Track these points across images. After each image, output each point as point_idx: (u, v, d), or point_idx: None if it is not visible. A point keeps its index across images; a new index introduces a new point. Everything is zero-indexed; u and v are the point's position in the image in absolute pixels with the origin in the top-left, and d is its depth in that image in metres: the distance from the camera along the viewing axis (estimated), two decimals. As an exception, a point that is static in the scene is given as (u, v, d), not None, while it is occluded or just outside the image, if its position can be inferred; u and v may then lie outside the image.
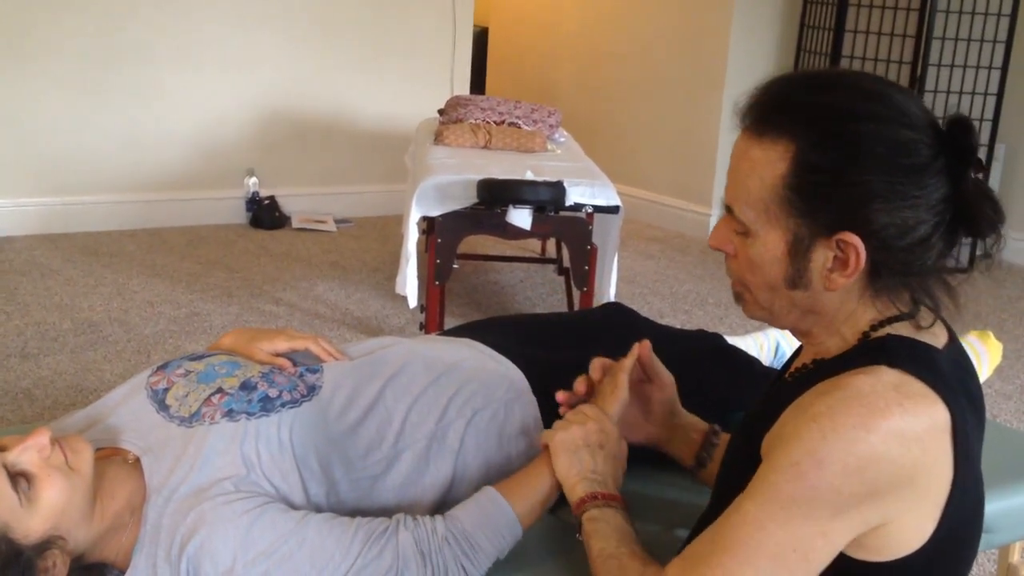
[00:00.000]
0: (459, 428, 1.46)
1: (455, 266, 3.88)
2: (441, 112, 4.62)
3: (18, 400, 3.10)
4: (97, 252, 4.78)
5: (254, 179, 5.44)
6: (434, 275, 3.71)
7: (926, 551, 1.09)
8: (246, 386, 1.39)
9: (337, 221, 5.54)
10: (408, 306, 3.73)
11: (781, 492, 1.05)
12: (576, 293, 3.80)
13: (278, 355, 1.48)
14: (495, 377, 1.54)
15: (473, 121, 4.36)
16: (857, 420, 1.02)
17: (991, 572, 2.65)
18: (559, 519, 1.50)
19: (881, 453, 1.02)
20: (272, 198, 5.45)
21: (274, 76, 5.48)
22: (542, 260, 4.62)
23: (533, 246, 5.01)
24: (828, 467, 1.02)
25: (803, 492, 1.03)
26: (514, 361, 1.58)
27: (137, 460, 1.34)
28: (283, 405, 1.37)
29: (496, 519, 1.32)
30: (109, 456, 1.35)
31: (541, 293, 4.50)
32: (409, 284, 3.70)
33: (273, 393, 1.38)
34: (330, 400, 1.41)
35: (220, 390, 1.38)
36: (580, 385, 1.44)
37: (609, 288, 3.86)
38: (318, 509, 1.33)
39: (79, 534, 1.24)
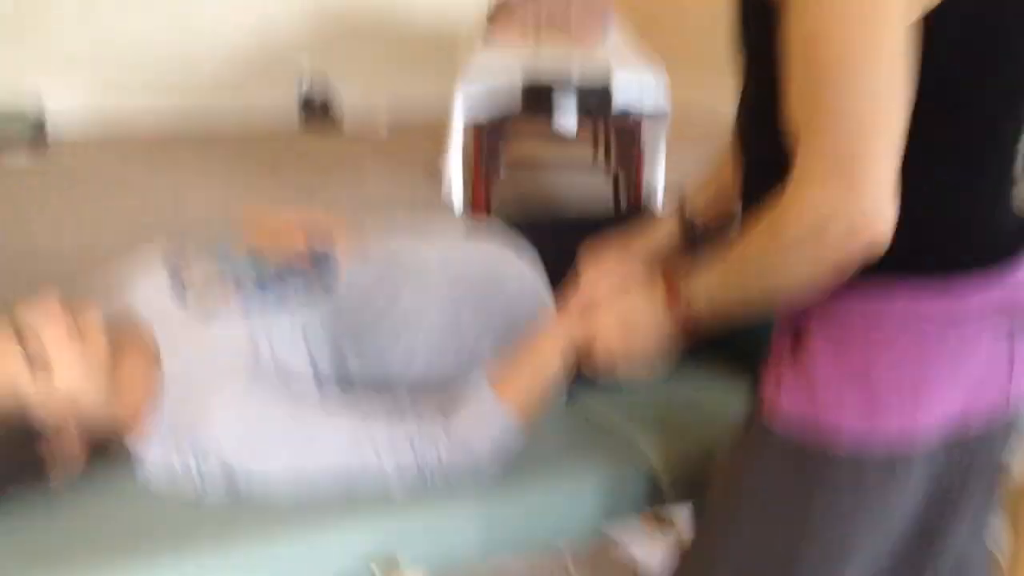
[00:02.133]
0: (474, 328, 1.48)
1: (502, 171, 3.87)
2: (491, 11, 4.56)
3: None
4: (151, 153, 4.85)
5: (306, 79, 5.44)
6: (479, 179, 3.71)
7: None
8: (262, 281, 1.41)
9: (390, 123, 5.53)
10: (454, 210, 3.74)
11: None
12: (624, 197, 3.78)
13: (297, 249, 1.50)
14: (513, 279, 1.54)
15: (523, 19, 4.30)
16: None
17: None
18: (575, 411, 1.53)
19: None
20: (326, 99, 5.46)
21: (327, -24, 5.45)
22: (590, 164, 4.58)
23: (586, 151, 4.96)
24: None
25: None
26: (532, 260, 1.58)
27: (154, 346, 1.37)
28: (297, 303, 1.39)
29: (498, 431, 1.33)
30: (127, 341, 1.38)
31: (589, 198, 4.47)
32: (454, 188, 3.71)
33: (288, 291, 1.41)
34: (345, 299, 1.43)
35: (237, 284, 1.41)
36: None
37: (657, 190, 3.82)
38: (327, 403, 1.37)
39: (95, 413, 1.29)
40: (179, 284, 1.44)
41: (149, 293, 1.45)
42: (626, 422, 1.49)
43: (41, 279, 3.29)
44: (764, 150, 1.02)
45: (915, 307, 1.00)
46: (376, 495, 1.30)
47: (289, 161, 4.86)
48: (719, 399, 1.55)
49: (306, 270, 1.45)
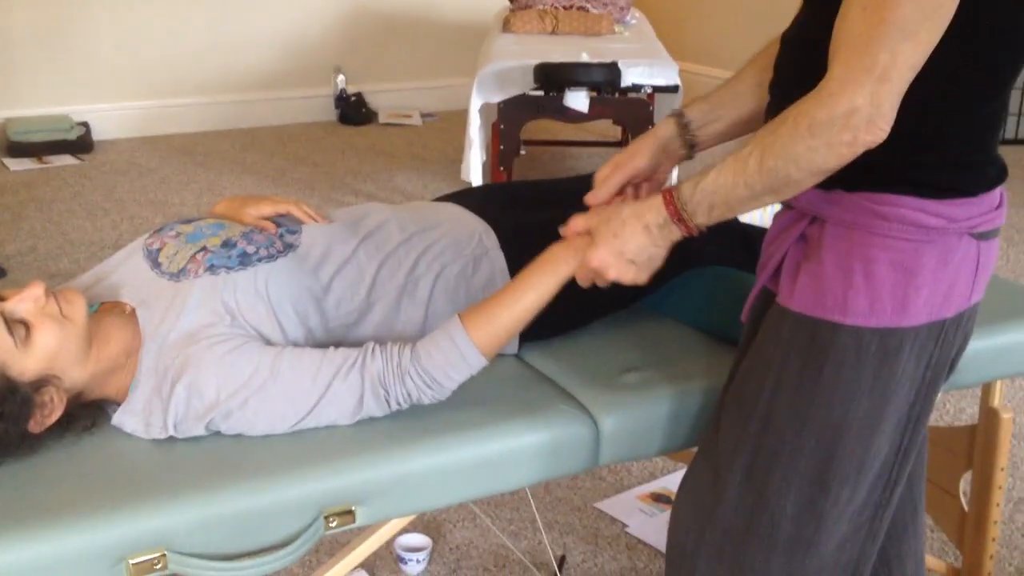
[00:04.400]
0: (428, 281, 1.57)
1: (521, 152, 3.96)
2: (511, 0, 4.65)
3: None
4: (192, 152, 5.02)
5: (341, 76, 5.59)
6: (498, 160, 3.81)
7: None
8: (227, 244, 1.52)
9: (423, 115, 5.65)
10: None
11: None
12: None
13: (264, 218, 1.61)
14: (465, 235, 1.63)
15: (541, 7, 4.38)
16: None
17: (969, 414, 2.66)
18: (523, 362, 1.61)
19: None
20: (359, 94, 5.60)
21: (357, -27, 5.58)
22: (607, 144, 4.65)
23: (610, 131, 5.02)
24: None
25: None
26: (487, 221, 1.66)
27: (133, 311, 1.49)
28: (259, 260, 1.50)
29: (458, 359, 1.41)
30: (110, 309, 1.50)
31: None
32: (473, 170, 3.81)
33: (251, 249, 1.51)
34: (305, 256, 1.53)
35: (204, 248, 1.51)
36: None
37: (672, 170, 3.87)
38: (296, 346, 1.47)
39: (74, 374, 1.40)
40: (153, 255, 1.55)
41: (127, 266, 1.57)
42: (570, 376, 1.56)
43: (78, 269, 3.47)
44: (812, 82, 1.15)
45: (917, 217, 1.18)
46: (336, 438, 1.39)
47: (323, 153, 5.00)
48: (665, 355, 1.62)
49: (269, 232, 1.56)
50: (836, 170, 1.15)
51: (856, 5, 1.08)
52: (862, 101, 1.08)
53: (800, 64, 1.23)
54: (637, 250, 1.31)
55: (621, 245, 1.31)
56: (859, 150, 1.11)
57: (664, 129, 1.50)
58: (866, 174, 1.17)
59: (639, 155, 1.49)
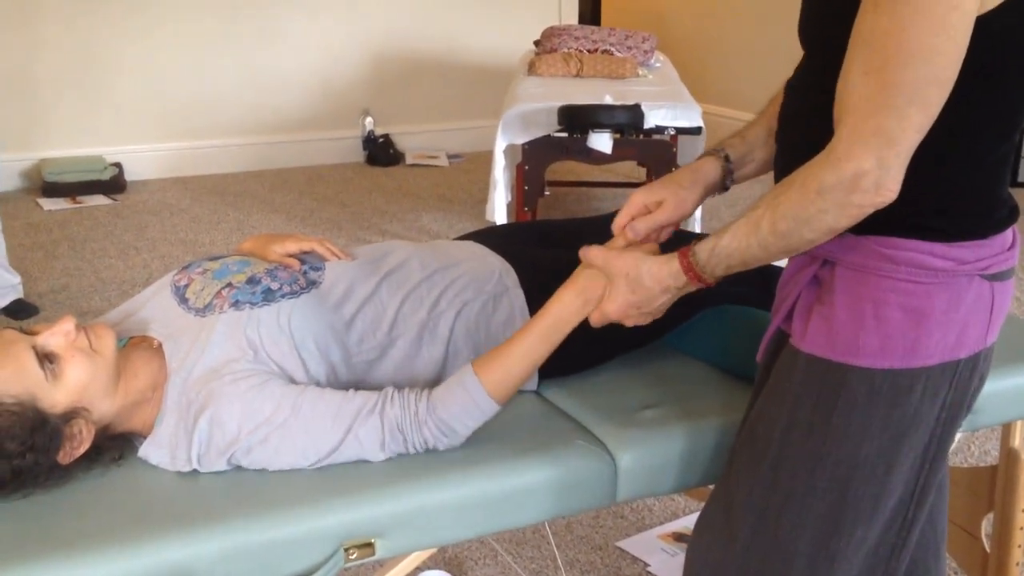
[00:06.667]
0: (449, 318, 1.60)
1: (546, 192, 4.00)
2: (537, 43, 4.71)
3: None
4: (223, 192, 5.10)
5: (370, 119, 5.67)
6: (523, 201, 3.84)
7: None
8: (252, 280, 1.55)
9: (449, 156, 5.71)
10: (497, 231, 3.87)
11: None
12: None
13: (288, 256, 1.64)
14: (486, 273, 1.66)
15: (566, 50, 4.44)
16: None
17: (994, 456, 2.64)
18: (542, 398, 1.63)
19: None
20: (387, 136, 5.67)
21: (387, 17, 5.67)
22: (630, 184, 4.67)
23: (634, 172, 5.05)
24: None
25: None
26: (507, 259, 1.69)
27: (161, 346, 1.52)
28: (283, 296, 1.53)
29: (472, 408, 1.44)
30: (138, 343, 1.54)
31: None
32: (498, 210, 3.84)
33: (275, 286, 1.55)
34: (328, 293, 1.57)
35: (229, 284, 1.55)
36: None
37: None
38: (318, 385, 1.49)
39: (103, 406, 1.43)
40: (181, 291, 1.59)
41: (155, 302, 1.61)
42: (588, 412, 1.58)
43: (109, 307, 3.52)
44: (815, 128, 1.17)
45: (926, 260, 1.19)
46: (357, 471, 1.41)
47: (351, 194, 5.06)
48: (682, 392, 1.63)
49: (293, 269, 1.60)
50: (848, 228, 1.16)
51: (857, 69, 1.09)
52: (869, 165, 1.09)
53: (802, 113, 1.25)
54: (657, 309, 1.37)
55: (639, 302, 1.36)
56: (869, 211, 1.13)
57: (710, 174, 1.50)
58: (876, 218, 1.18)
59: (688, 203, 1.48)
